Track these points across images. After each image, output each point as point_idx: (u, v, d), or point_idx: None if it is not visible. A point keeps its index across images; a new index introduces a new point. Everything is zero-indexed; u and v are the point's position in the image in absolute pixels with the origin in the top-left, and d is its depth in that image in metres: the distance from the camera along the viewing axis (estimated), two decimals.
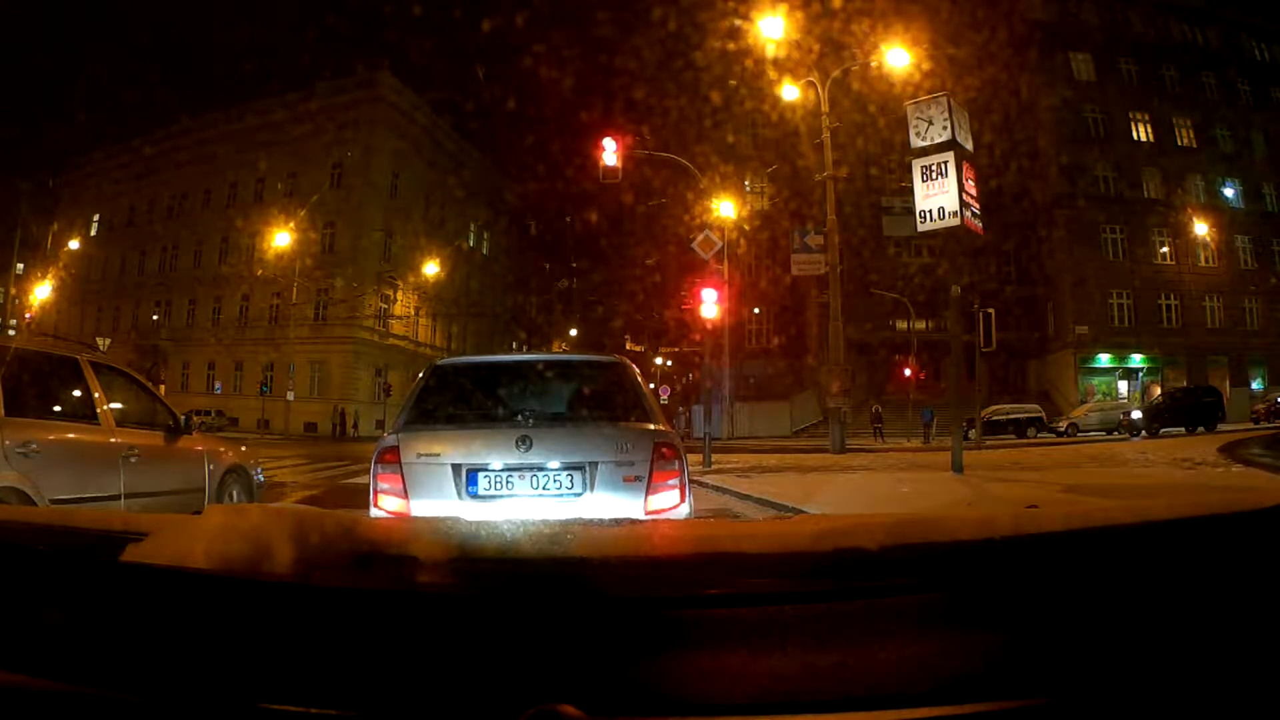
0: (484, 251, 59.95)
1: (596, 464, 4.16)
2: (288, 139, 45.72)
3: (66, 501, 5.26)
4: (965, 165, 12.20)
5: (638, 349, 72.34)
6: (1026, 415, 36.15)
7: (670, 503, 4.21)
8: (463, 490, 4.12)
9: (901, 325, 43.55)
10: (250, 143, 46.80)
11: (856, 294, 40.32)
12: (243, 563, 1.10)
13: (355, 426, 40.37)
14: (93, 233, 56.61)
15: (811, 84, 20.56)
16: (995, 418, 35.20)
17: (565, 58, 49.49)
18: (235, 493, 7.56)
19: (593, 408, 5.00)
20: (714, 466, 15.48)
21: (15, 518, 1.55)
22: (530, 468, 4.14)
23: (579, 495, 4.12)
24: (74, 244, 53.80)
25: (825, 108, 19.60)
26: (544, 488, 4.15)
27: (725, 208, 38.53)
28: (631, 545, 1.26)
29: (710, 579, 1.11)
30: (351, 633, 1.05)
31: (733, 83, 30.48)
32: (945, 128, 12.15)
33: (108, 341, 33.83)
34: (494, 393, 5.00)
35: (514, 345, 64.63)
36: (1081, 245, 43.33)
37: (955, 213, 11.69)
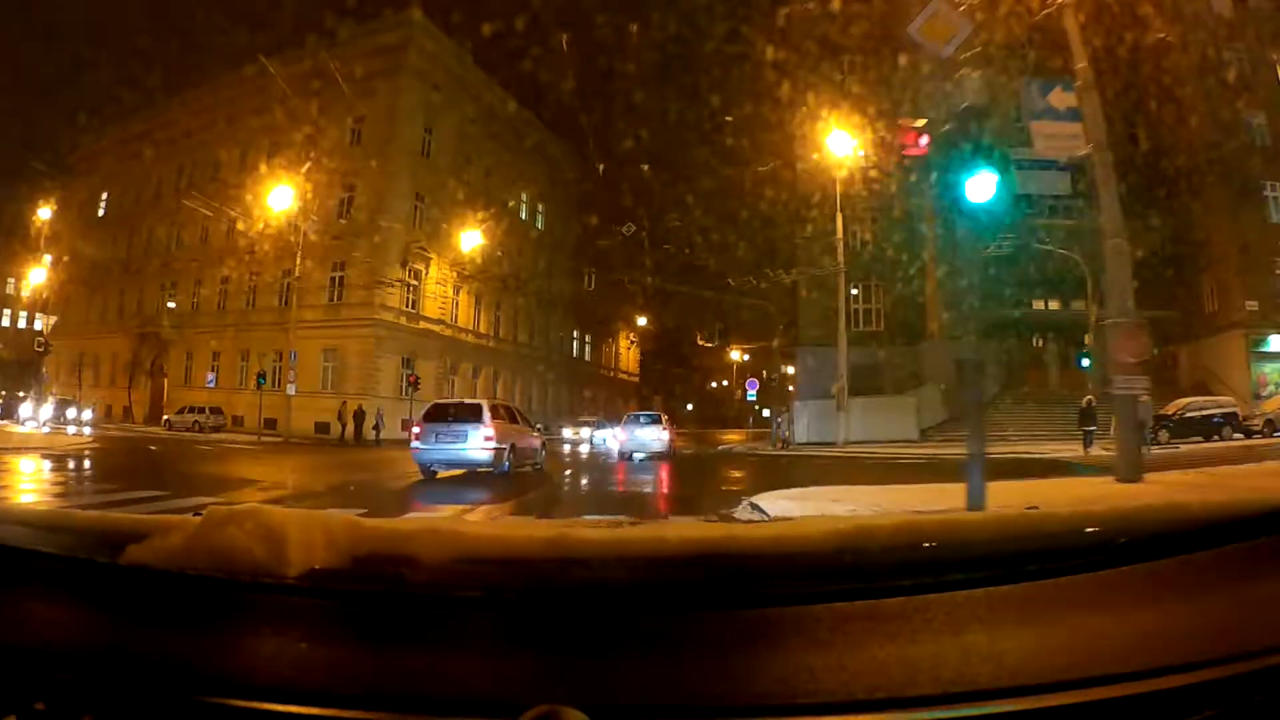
0: (538, 225, 52.27)
1: (655, 424, 24.57)
2: (305, 93, 38.54)
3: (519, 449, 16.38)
4: None
5: (708, 345, 67.98)
6: (1221, 411, 28.85)
7: (670, 435, 24.50)
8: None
9: (1038, 304, 36.53)
10: (265, 101, 39.73)
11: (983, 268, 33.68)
12: (245, 564, 1.11)
13: (377, 428, 32.69)
14: (100, 213, 51.13)
15: None
16: (1188, 414, 28.03)
17: None
18: (544, 455, 18.56)
19: (653, 420, 25.11)
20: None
21: (21, 520, 1.54)
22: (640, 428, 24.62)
23: (658, 433, 24.10)
24: (81, 226, 50.13)
25: None
26: (645, 430, 24.37)
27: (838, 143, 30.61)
28: (633, 546, 1.27)
29: (712, 580, 1.14)
30: (355, 633, 1.07)
31: None
32: None
33: (53, 320, 28.41)
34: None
35: (575, 335, 58.00)
36: (1242, 206, 35.15)
37: None
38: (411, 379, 34.58)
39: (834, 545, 1.19)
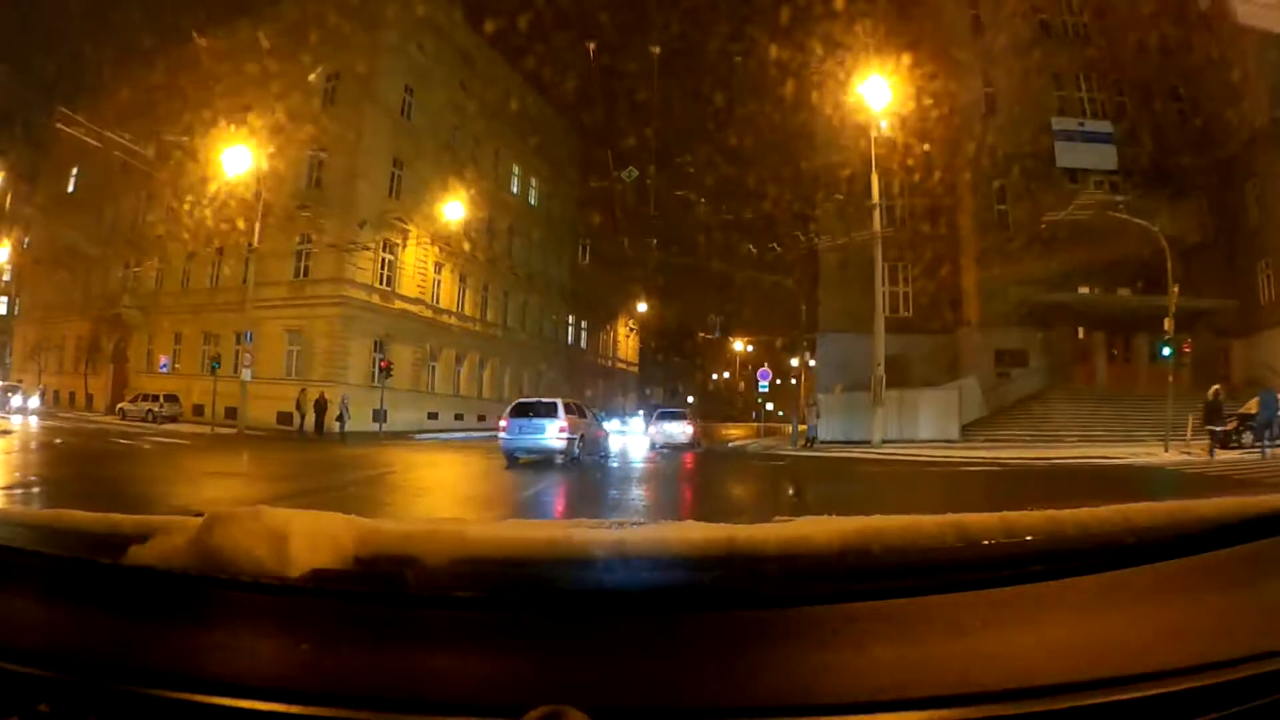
0: (531, 201, 48.46)
1: (681, 419, 29.80)
2: (276, 47, 35.20)
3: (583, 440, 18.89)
4: None
5: (709, 337, 66.10)
6: None
7: (694, 429, 29.26)
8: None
9: (1082, 289, 32.88)
10: (235, 61, 36.25)
11: (1023, 248, 30.98)
12: (248, 565, 1.11)
13: (341, 420, 28.95)
14: (69, 189, 47.37)
15: None
16: None
17: None
18: (609, 445, 23.22)
19: (680, 416, 30.63)
20: None
21: (23, 521, 1.51)
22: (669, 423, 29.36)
23: (683, 427, 28.79)
24: (49, 204, 47.10)
25: None
26: (673, 425, 28.88)
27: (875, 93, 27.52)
28: (636, 548, 1.23)
29: (715, 581, 1.14)
30: (358, 634, 1.07)
31: None
32: None
33: None
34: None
35: (570, 319, 54.74)
36: None
37: None
38: (384, 364, 30.85)
39: (838, 546, 1.17)
